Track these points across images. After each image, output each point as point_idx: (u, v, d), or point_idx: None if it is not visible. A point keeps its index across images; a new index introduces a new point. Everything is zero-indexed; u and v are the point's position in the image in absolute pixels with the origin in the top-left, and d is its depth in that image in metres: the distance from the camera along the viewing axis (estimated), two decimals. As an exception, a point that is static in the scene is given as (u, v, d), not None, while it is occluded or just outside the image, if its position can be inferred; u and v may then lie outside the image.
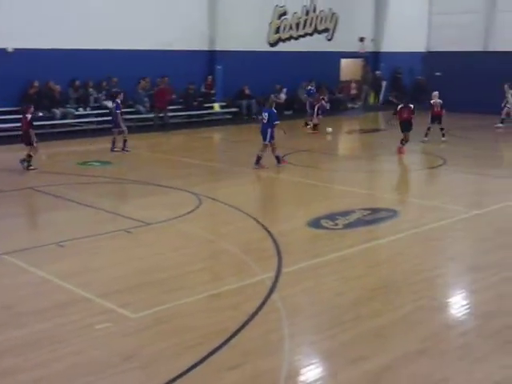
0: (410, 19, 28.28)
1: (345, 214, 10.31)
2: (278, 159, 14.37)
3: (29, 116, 13.87)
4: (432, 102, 18.32)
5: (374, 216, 10.31)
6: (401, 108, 16.43)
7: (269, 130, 14.01)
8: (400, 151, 16.16)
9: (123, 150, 16.45)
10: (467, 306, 6.85)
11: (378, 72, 29.45)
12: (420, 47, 28.82)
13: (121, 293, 6.97)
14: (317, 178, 13.62)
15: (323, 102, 21.27)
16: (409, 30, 28.13)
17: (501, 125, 20.99)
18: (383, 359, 5.53)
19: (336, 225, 9.72)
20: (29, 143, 13.81)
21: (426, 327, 6.20)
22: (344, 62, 28.95)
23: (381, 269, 7.99)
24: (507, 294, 7.05)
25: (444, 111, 18.14)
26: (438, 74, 27.49)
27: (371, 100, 29.73)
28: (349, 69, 29.56)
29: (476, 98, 23.06)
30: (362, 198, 11.88)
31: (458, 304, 6.95)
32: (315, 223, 9.81)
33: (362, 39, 28.87)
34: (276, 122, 14.12)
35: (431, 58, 28.51)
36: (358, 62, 30.02)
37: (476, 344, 5.83)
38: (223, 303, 6.79)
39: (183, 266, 7.88)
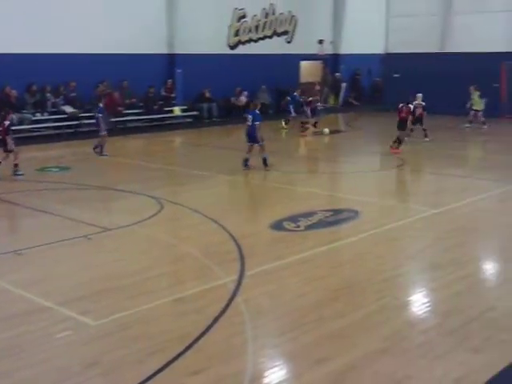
0: (368, 22, 28.61)
1: (307, 215, 10.36)
2: (265, 162, 14.43)
3: (7, 122, 13.74)
4: (415, 103, 18.65)
5: (335, 217, 10.39)
6: (401, 107, 17.03)
7: (256, 132, 14.20)
8: (394, 151, 16.65)
9: (94, 151, 16.39)
10: (427, 305, 6.94)
11: (337, 74, 29.73)
12: (378, 49, 29.20)
13: (82, 300, 6.87)
14: (279, 180, 13.66)
15: (317, 103, 21.82)
16: (367, 32, 28.47)
17: (469, 125, 21.45)
18: (347, 359, 5.57)
19: (298, 227, 9.76)
20: (6, 150, 13.66)
21: (388, 326, 6.27)
22: (304, 64, 29.13)
23: (343, 269, 8.05)
24: (464, 291, 7.17)
25: (425, 113, 18.54)
26: (396, 75, 27.89)
27: (331, 102, 29.97)
28: (308, 71, 29.76)
29: (433, 98, 23.42)
30: (323, 200, 11.97)
31: (418, 302, 7.04)
32: (277, 225, 9.84)
33: (321, 41, 29.11)
34: (256, 123, 14.27)
35: (389, 60, 28.91)
36: (318, 64, 30.25)
37: (436, 342, 5.91)
38: (186, 308, 6.75)
39: (145, 272, 7.81)
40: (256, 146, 14.38)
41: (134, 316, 6.46)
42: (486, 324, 6.25)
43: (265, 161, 14.40)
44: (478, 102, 21.30)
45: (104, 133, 16.49)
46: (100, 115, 16.46)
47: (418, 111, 18.63)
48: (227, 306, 6.65)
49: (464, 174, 14.50)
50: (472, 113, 21.37)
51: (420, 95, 18.95)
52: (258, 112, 14.51)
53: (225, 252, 8.52)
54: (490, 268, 8.43)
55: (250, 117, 14.39)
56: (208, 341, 5.89)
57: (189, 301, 6.91)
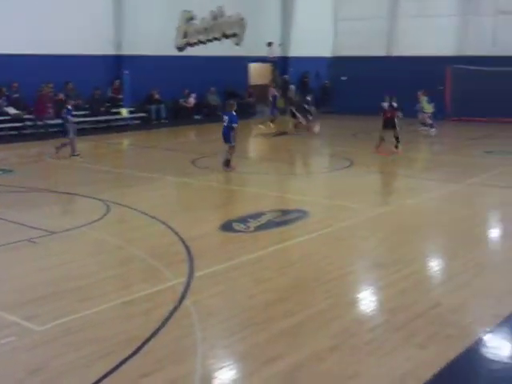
0: (317, 25, 28.90)
1: (256, 216, 10.37)
2: (228, 163, 14.45)
3: None
4: (383, 104, 18.78)
5: (284, 217, 10.43)
6: (385, 108, 17.47)
7: (231, 133, 14.24)
8: (380, 151, 17.03)
9: (56, 152, 16.22)
10: (375, 302, 7.04)
11: (286, 76, 29.91)
12: (326, 52, 29.55)
13: (26, 305, 6.69)
14: (228, 182, 13.66)
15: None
16: (315, 35, 28.74)
17: (424, 127, 21.95)
18: (296, 358, 5.58)
19: (248, 227, 9.76)
20: None
21: (337, 324, 6.32)
22: (253, 66, 29.22)
23: (293, 269, 8.08)
24: (409, 289, 7.28)
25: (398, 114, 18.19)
26: (343, 78, 28.30)
27: (280, 104, 30.10)
28: (258, 73, 29.87)
29: (379, 101, 23.84)
30: (272, 200, 12.01)
31: (366, 300, 7.12)
32: (227, 226, 9.82)
33: (270, 44, 29.23)
34: (234, 125, 14.31)
35: (337, 63, 29.31)
36: (267, 66, 30.39)
37: (383, 338, 5.99)
38: (134, 310, 6.65)
39: (92, 275, 7.67)
40: (227, 145, 14.46)
41: (80, 320, 6.32)
42: (431, 320, 6.36)
43: (228, 162, 14.43)
44: (427, 107, 21.77)
45: (72, 135, 16.22)
46: (68, 117, 16.22)
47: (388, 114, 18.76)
48: (176, 308, 6.58)
49: (410, 174, 14.79)
50: (425, 115, 21.83)
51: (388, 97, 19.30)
52: (234, 113, 14.54)
53: (173, 254, 8.44)
54: (434, 265, 8.59)
55: (226, 118, 14.44)
56: (157, 343, 5.81)
57: (137, 303, 6.81)
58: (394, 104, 17.46)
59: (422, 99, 21.64)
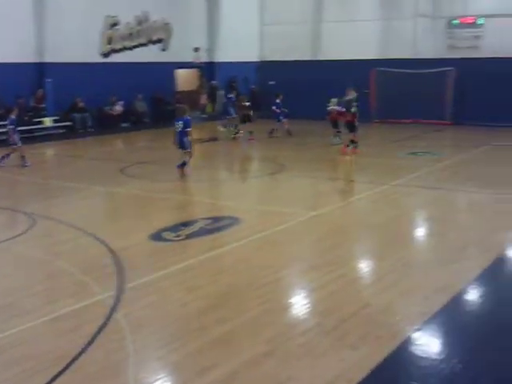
0: (243, 30, 28.99)
1: (187, 224, 10.30)
2: (184, 165, 14.45)
3: None
4: (329, 108, 19.49)
5: (216, 224, 10.39)
6: (343, 111, 18.14)
7: (185, 138, 14.17)
8: (345, 152, 17.50)
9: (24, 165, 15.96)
10: (307, 305, 7.10)
11: (213, 82, 29.89)
12: (254, 57, 29.71)
13: None
14: (157, 190, 13.49)
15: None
16: (242, 40, 28.83)
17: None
18: (231, 365, 5.56)
19: (178, 236, 9.67)
20: None
21: (271, 329, 6.33)
22: (180, 72, 29.06)
23: (225, 276, 8.05)
24: (340, 290, 7.38)
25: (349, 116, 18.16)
26: (271, 82, 28.50)
27: (208, 109, 30.09)
28: (185, 79, 29.73)
29: (307, 104, 24.18)
30: (204, 207, 11.95)
31: (299, 304, 7.17)
32: (157, 236, 9.69)
33: (196, 49, 29.16)
34: (188, 129, 14.23)
35: (264, 68, 29.51)
36: (194, 72, 30.30)
37: (316, 341, 6.05)
38: (63, 326, 6.46)
39: (17, 291, 7.41)
40: (182, 151, 14.44)
41: (5, 340, 6.09)
42: (362, 321, 6.47)
43: (183, 165, 14.42)
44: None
45: (19, 144, 16.09)
46: (11, 127, 15.99)
47: (333, 115, 19.55)
48: (106, 322, 6.43)
49: (339, 177, 15.02)
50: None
51: (334, 100, 19.70)
52: (188, 118, 14.50)
53: (102, 266, 8.26)
54: (364, 266, 8.75)
55: (179, 123, 14.33)
56: (87, 360, 5.66)
57: (65, 319, 6.62)
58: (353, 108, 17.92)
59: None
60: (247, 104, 21.73)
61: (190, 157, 14.58)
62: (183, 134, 14.30)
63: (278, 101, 21.78)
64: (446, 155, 17.57)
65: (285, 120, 21.68)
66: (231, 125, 22.43)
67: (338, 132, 19.67)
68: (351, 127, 17.78)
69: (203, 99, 26.04)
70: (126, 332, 6.25)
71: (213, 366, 5.53)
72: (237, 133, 21.37)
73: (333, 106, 19.60)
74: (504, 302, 7.07)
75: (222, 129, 23.12)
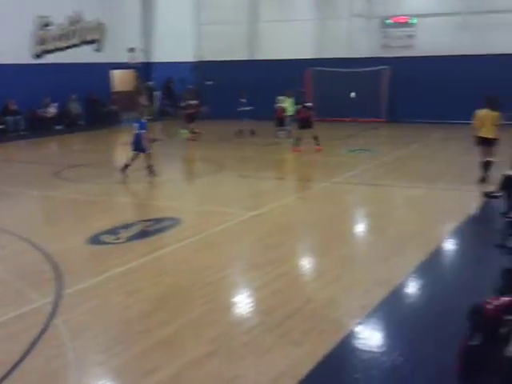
0: (179, 29, 28.79)
1: (127, 226, 10.14)
2: (151, 170, 14.37)
3: None
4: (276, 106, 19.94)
5: (157, 226, 10.28)
6: (300, 108, 18.14)
7: (143, 141, 14.09)
8: (298, 150, 17.70)
9: None
10: (251, 304, 7.09)
11: (150, 82, 29.57)
12: (190, 57, 29.55)
13: None
14: (94, 193, 13.23)
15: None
16: (179, 40, 28.63)
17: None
18: (175, 366, 5.51)
19: (118, 239, 9.51)
20: None
21: (214, 329, 6.30)
22: (115, 73, 28.62)
23: (167, 277, 7.96)
24: (283, 288, 7.42)
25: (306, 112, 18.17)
26: (209, 82, 28.44)
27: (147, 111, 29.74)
28: (121, 80, 29.31)
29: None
30: (143, 209, 11.80)
31: (242, 303, 7.16)
32: (96, 239, 9.50)
33: (131, 50, 28.78)
34: (143, 131, 14.16)
35: (202, 68, 29.41)
36: (130, 72, 29.89)
37: (260, 339, 6.06)
38: (0, 335, 6.24)
39: (-50, 301, 7.12)
40: (142, 154, 14.35)
41: None
42: (305, 317, 6.51)
43: (151, 168, 14.34)
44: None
45: None
46: None
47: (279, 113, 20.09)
48: (44, 329, 6.25)
49: (279, 176, 15.11)
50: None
51: (282, 98, 20.15)
52: (144, 121, 14.44)
53: (39, 272, 8.03)
54: (306, 263, 8.84)
55: (136, 125, 14.25)
56: (26, 368, 5.49)
57: (2, 327, 6.39)
58: (309, 104, 18.22)
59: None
60: (195, 103, 21.60)
61: (150, 158, 14.56)
62: (140, 136, 14.24)
63: (243, 100, 21.82)
64: (382, 152, 17.92)
65: (248, 120, 21.68)
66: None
67: (281, 130, 19.90)
68: (308, 124, 17.80)
69: (143, 100, 25.68)
70: (65, 338, 6.10)
71: (156, 369, 5.46)
72: (194, 133, 21.18)
73: (280, 104, 19.85)
74: (440, 294, 7.25)
75: (182, 131, 22.81)
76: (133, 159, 14.48)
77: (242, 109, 21.62)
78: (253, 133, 21.69)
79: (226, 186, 14.07)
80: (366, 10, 27.47)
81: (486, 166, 12.98)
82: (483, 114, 12.85)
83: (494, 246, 8.26)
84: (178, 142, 21.02)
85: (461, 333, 5.12)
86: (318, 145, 17.91)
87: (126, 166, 14.41)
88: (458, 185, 13.29)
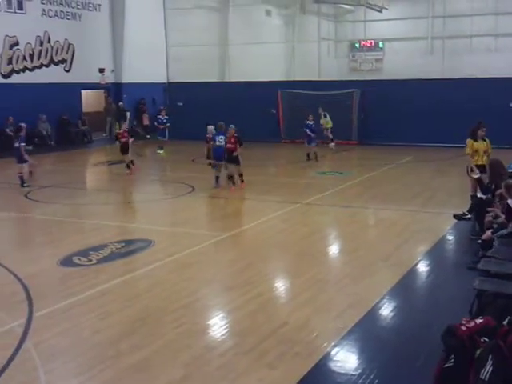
0: (149, 51, 28.76)
1: (98, 248, 10.02)
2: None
3: None
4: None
5: (128, 248, 10.18)
6: (122, 132, 17.82)
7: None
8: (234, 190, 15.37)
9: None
10: (225, 327, 7.03)
11: (120, 103, 29.46)
12: (161, 78, 29.55)
13: None
14: (64, 214, 13.05)
15: None
16: (148, 62, 28.59)
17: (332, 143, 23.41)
18: (148, 392, 5.43)
19: (90, 260, 9.39)
20: None
21: (188, 352, 6.24)
22: (86, 93, 28.45)
23: (140, 300, 7.87)
24: (257, 310, 7.40)
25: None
26: (179, 103, 28.46)
27: (116, 131, 29.58)
28: (91, 100, 29.16)
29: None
30: (114, 231, 11.67)
31: (216, 326, 7.09)
32: (67, 261, 9.36)
33: (101, 70, 28.68)
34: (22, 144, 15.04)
35: (172, 89, 29.45)
36: (101, 93, 29.76)
37: (234, 362, 6.01)
38: (-32, 360, 6.09)
39: None
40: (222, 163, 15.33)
41: None
42: (279, 339, 6.49)
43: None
44: (327, 122, 23.26)
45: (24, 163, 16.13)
46: (22, 144, 16.19)
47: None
48: (15, 352, 6.13)
49: (250, 197, 15.09)
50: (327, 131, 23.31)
51: (211, 127, 16.81)
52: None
53: (9, 294, 7.89)
54: (279, 285, 8.82)
55: (221, 137, 15.24)
56: (-4, 394, 5.37)
57: (-30, 352, 6.25)
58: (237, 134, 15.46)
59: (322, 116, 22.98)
60: (124, 131, 18.79)
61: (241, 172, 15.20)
62: (222, 148, 14.82)
63: (309, 122, 20.33)
64: (353, 174, 18.08)
65: (314, 144, 20.35)
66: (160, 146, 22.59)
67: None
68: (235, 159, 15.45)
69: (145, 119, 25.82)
70: (37, 362, 5.97)
71: (130, 394, 5.38)
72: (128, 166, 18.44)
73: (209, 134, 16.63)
74: (414, 316, 7.30)
75: (159, 151, 22.74)
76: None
77: (310, 132, 20.12)
78: (316, 158, 20.23)
79: (197, 207, 14.01)
80: (334, 35, 27.91)
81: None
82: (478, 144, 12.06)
83: (466, 267, 8.36)
84: (147, 163, 20.92)
85: (436, 355, 5.15)
86: (243, 181, 15.64)
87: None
88: (428, 207, 13.45)
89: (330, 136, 23.64)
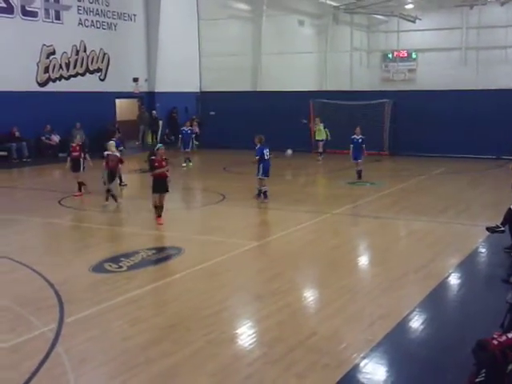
0: (182, 60, 29.10)
1: (129, 255, 10.11)
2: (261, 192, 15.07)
3: None
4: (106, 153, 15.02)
5: (159, 255, 10.26)
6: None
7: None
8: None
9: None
10: (253, 336, 7.03)
11: (153, 112, 29.80)
12: (194, 87, 29.81)
13: None
14: (96, 221, 13.22)
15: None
16: (182, 71, 28.93)
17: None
18: (176, 400, 5.44)
19: (120, 267, 9.48)
20: None
21: (216, 361, 6.24)
22: (119, 102, 28.84)
23: (169, 307, 7.92)
24: (286, 320, 7.37)
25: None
26: (212, 113, 28.65)
27: (149, 139, 29.93)
28: (125, 109, 29.53)
29: (246, 135, 24.33)
30: (145, 238, 11.76)
31: (244, 335, 7.08)
32: (98, 267, 9.47)
33: (135, 79, 29.09)
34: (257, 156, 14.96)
35: (205, 98, 29.66)
36: (134, 102, 30.14)
37: (263, 371, 5.99)
38: (1, 363, 6.18)
39: (-50, 328, 7.06)
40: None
41: None
42: (309, 349, 6.45)
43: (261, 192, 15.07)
44: (321, 132, 23.00)
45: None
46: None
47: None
48: (46, 357, 6.20)
49: (281, 207, 15.07)
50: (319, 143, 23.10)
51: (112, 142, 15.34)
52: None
53: (41, 300, 7.99)
54: (309, 295, 8.77)
55: (267, 151, 14.98)
56: (26, 398, 5.43)
57: (3, 355, 6.35)
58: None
59: (318, 125, 22.85)
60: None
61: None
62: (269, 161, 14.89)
63: (357, 137, 18.47)
64: (385, 185, 17.94)
65: (360, 160, 18.47)
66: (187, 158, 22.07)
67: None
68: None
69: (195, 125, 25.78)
70: (67, 367, 6.04)
71: (158, 401, 5.40)
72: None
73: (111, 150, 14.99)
74: (445, 329, 7.20)
75: (184, 164, 22.42)
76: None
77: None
78: (360, 175, 18.58)
79: (227, 215, 14.04)
80: (367, 44, 27.83)
81: None
82: None
83: (499, 280, 8.23)
84: (180, 171, 21.06)
85: (466, 369, 5.07)
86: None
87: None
88: (461, 219, 13.27)
89: (320, 149, 23.26)
